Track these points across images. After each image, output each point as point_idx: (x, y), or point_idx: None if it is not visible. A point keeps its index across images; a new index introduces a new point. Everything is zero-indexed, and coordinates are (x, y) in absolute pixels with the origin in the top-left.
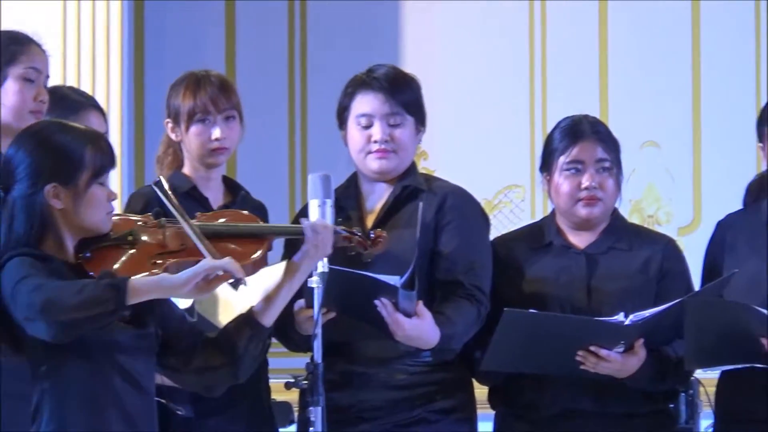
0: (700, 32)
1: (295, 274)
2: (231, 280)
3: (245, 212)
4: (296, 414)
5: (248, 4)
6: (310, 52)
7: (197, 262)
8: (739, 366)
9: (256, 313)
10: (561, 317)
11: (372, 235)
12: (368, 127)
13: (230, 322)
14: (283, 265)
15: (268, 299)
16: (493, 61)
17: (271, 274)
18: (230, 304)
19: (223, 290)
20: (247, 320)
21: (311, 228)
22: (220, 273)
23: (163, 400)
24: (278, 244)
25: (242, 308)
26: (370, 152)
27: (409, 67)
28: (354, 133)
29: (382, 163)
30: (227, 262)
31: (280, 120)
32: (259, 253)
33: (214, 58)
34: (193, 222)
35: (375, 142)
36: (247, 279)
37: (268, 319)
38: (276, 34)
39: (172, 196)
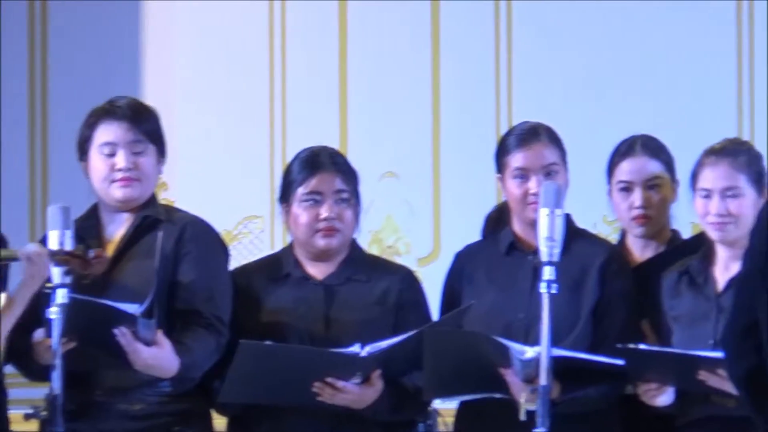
0: (439, 64)
1: (13, 304)
2: None
3: None
4: None
5: None
6: (50, 85)
7: None
8: (478, 396)
9: None
10: (296, 349)
11: (92, 254)
12: (112, 155)
13: None
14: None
15: None
16: (233, 92)
17: None
18: None
19: None
20: None
21: (26, 257)
22: None
23: None
24: None
25: None
26: (114, 180)
27: (149, 98)
28: (97, 162)
29: (126, 191)
30: None
31: (20, 151)
32: None
33: None
34: None
35: (119, 170)
36: None
37: None
38: (16, 61)
39: None
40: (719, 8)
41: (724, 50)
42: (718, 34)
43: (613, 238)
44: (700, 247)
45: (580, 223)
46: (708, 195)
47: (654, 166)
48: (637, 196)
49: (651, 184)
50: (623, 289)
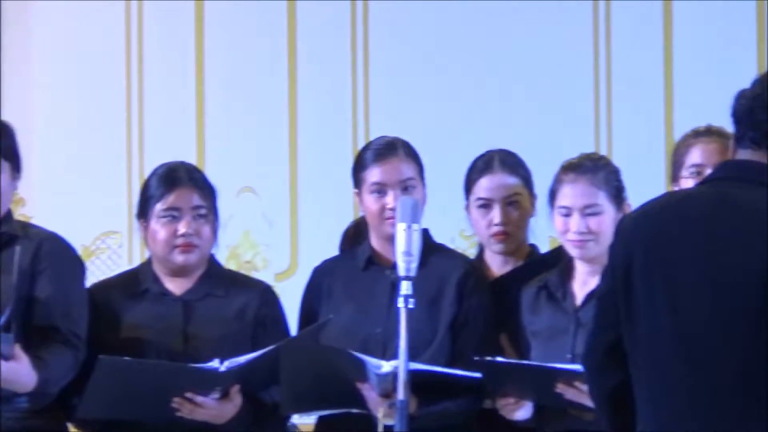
0: (296, 80)
1: None
2: None
3: None
4: None
5: None
6: None
7: None
8: (336, 411)
9: None
10: (154, 364)
11: None
12: None
13: None
14: None
15: None
16: (89, 108)
17: None
18: None
19: None
20: None
21: None
22: None
23: None
24: None
25: None
26: None
27: (5, 113)
28: None
29: None
30: None
31: None
32: None
33: None
34: None
35: None
36: None
37: None
38: None
39: None
40: (578, 22)
41: (582, 63)
42: (576, 46)
43: (470, 252)
44: (558, 261)
45: (438, 237)
46: (568, 213)
47: (512, 182)
48: (496, 213)
49: (510, 201)
50: (481, 304)
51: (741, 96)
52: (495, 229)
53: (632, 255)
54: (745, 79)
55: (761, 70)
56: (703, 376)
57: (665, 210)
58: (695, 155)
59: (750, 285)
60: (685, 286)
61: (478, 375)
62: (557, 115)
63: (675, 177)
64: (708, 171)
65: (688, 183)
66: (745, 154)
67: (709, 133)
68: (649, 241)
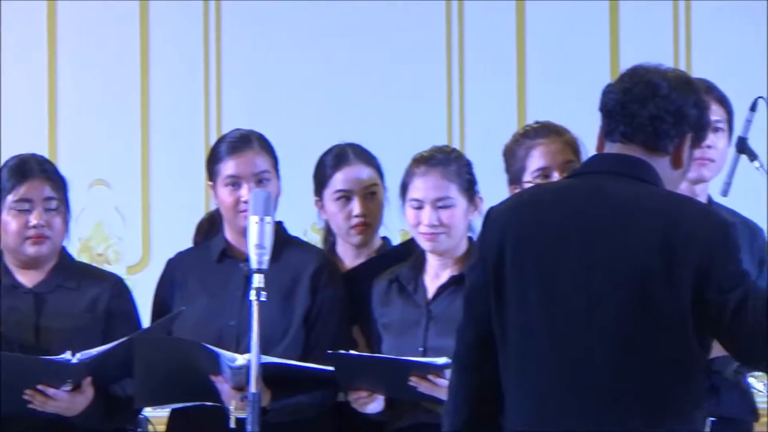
0: (148, 72)
1: None
2: None
3: None
4: None
5: None
6: None
7: None
8: (189, 404)
9: None
10: (6, 356)
11: None
12: None
13: None
14: None
15: None
16: None
17: None
18: None
19: None
20: None
21: None
22: None
23: None
24: None
25: None
26: None
27: None
28: None
29: None
30: None
31: None
32: None
33: None
34: None
35: None
36: None
37: None
38: None
39: None
40: (430, 15)
41: (434, 56)
42: (428, 38)
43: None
44: (409, 254)
45: (292, 230)
46: (419, 206)
47: (369, 174)
48: (355, 205)
49: (368, 192)
50: (334, 297)
51: (609, 90)
52: (355, 221)
53: (504, 248)
54: (594, 74)
55: (613, 67)
56: (577, 372)
57: (538, 203)
58: (538, 158)
59: (626, 281)
60: (559, 280)
61: (331, 368)
62: (409, 109)
63: (517, 181)
64: (554, 173)
65: None
66: (614, 148)
67: (547, 133)
68: (523, 233)
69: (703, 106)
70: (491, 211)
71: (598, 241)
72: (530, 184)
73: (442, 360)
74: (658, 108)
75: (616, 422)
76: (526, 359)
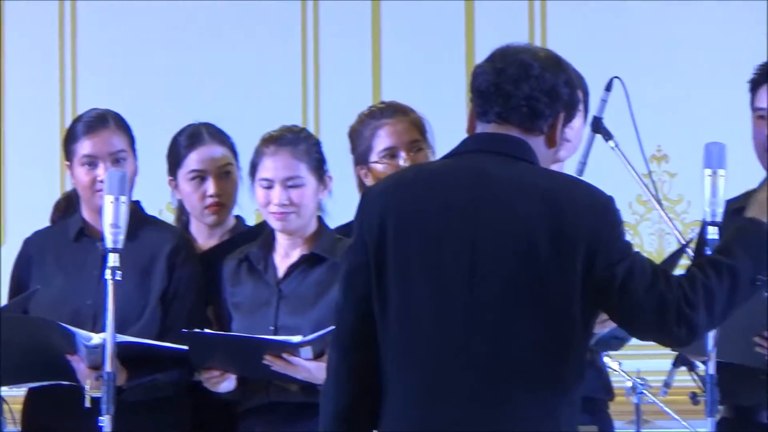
0: (3, 50)
1: None
2: None
3: None
4: None
5: None
6: None
7: None
8: (46, 383)
9: None
10: None
11: None
12: None
13: None
14: None
15: None
16: None
17: None
18: None
19: None
20: None
21: None
22: None
23: None
24: None
25: None
26: None
27: None
28: None
29: None
30: None
31: None
32: None
33: None
34: None
35: None
36: None
37: None
38: None
39: None
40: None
41: (289, 35)
42: (283, 17)
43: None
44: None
45: (150, 209)
46: (269, 185)
47: (223, 153)
48: (210, 185)
49: (222, 172)
50: (191, 276)
51: (481, 71)
52: (209, 200)
53: (385, 227)
54: (448, 56)
55: (469, 54)
56: (459, 350)
57: (419, 182)
58: (385, 138)
59: (510, 258)
60: (442, 259)
61: (186, 347)
62: (264, 89)
63: (363, 161)
64: (401, 153)
65: (381, 167)
66: (488, 128)
67: (393, 113)
68: (404, 213)
69: (572, 85)
70: (369, 192)
71: (481, 219)
72: (377, 165)
73: (297, 338)
74: (532, 88)
75: (500, 396)
76: (408, 338)
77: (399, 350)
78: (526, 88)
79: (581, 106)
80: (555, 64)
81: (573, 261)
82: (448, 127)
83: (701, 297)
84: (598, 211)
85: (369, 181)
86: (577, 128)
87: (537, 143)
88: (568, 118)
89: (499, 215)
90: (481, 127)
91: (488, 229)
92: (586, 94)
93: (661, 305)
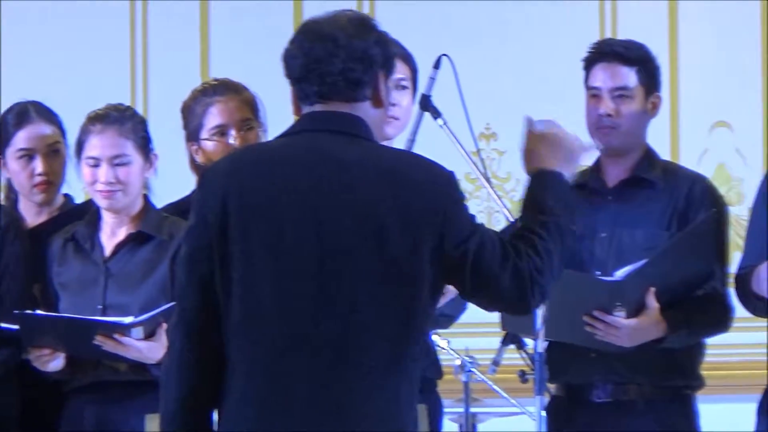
0: None
1: None
2: None
3: None
4: None
5: None
6: None
7: None
8: None
9: None
10: None
11: None
12: None
13: None
14: None
15: None
16: None
17: None
18: None
19: None
20: None
21: None
22: None
23: None
24: None
25: None
26: None
27: None
28: None
29: None
30: None
31: None
32: None
33: None
34: None
35: None
36: None
37: None
38: None
39: None
40: None
41: (117, 11)
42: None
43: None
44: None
45: None
46: (96, 163)
47: (51, 131)
48: (38, 163)
49: (51, 150)
50: (19, 254)
51: (290, 55)
52: (38, 179)
53: (228, 207)
54: (279, 27)
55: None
56: (304, 329)
57: (260, 161)
58: (216, 116)
59: (357, 237)
60: (287, 238)
61: (15, 327)
62: (91, 67)
63: (194, 137)
64: (231, 131)
65: (211, 144)
66: (315, 108)
67: (224, 90)
68: (246, 192)
69: (383, 40)
70: (208, 172)
71: (326, 200)
72: (207, 142)
73: (128, 319)
74: (344, 61)
75: (345, 383)
76: (251, 324)
77: (242, 336)
78: (338, 63)
79: (409, 83)
80: (361, 27)
81: (421, 240)
82: (280, 105)
83: (546, 261)
84: (441, 187)
85: (199, 158)
86: (406, 106)
87: (365, 109)
88: (388, 73)
89: (345, 196)
90: (307, 109)
91: (334, 210)
92: (414, 71)
93: (517, 275)
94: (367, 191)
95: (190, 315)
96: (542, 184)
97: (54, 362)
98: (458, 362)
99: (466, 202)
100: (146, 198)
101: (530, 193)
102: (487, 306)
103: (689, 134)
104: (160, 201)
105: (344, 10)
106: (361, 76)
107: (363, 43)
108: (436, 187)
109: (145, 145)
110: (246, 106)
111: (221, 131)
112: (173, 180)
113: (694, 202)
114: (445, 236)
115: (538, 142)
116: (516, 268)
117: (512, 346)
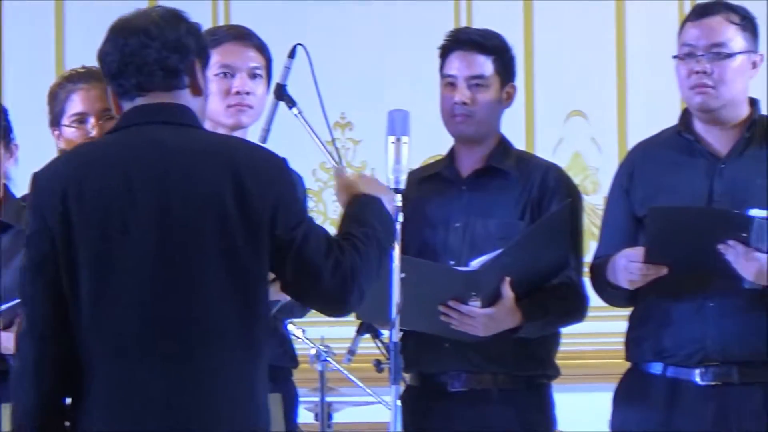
0: None
1: None
2: None
3: None
4: None
5: None
6: None
7: None
8: None
9: None
10: None
11: None
12: None
13: None
14: None
15: None
16: None
17: None
18: None
19: None
20: None
21: None
22: None
23: None
24: None
25: None
26: None
27: None
28: None
29: None
30: None
31: None
32: None
33: None
34: None
35: None
36: None
37: None
38: None
39: None
40: None
41: None
42: None
43: None
44: None
45: None
46: None
47: None
48: None
49: None
50: None
51: (105, 53)
52: None
53: (68, 209)
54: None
55: None
56: (150, 319)
57: (95, 160)
58: (77, 103)
59: (199, 227)
60: (130, 234)
61: None
62: None
63: (56, 123)
64: (90, 119)
65: (71, 131)
66: (136, 103)
67: (89, 78)
68: (86, 196)
69: (195, 30)
70: (39, 177)
71: (168, 190)
72: (68, 128)
73: None
74: (159, 50)
75: (194, 375)
76: (100, 318)
77: (92, 337)
78: (152, 53)
79: (263, 72)
80: (172, 18)
81: (260, 224)
82: None
83: (365, 263)
84: (276, 173)
85: (61, 144)
86: (260, 95)
87: (185, 97)
88: (205, 63)
89: (186, 185)
90: (128, 104)
91: (176, 200)
92: (269, 61)
93: (338, 270)
94: (207, 179)
95: (40, 321)
96: (361, 204)
97: None
98: (313, 351)
99: (297, 190)
100: (6, 187)
101: (350, 209)
102: (306, 299)
103: (545, 123)
104: (20, 190)
105: (154, 6)
106: (177, 64)
107: (175, 32)
108: (272, 172)
109: (5, 134)
110: (107, 96)
111: (80, 119)
112: (33, 169)
113: (547, 190)
114: (277, 219)
115: (351, 182)
116: (337, 263)
117: (368, 336)
